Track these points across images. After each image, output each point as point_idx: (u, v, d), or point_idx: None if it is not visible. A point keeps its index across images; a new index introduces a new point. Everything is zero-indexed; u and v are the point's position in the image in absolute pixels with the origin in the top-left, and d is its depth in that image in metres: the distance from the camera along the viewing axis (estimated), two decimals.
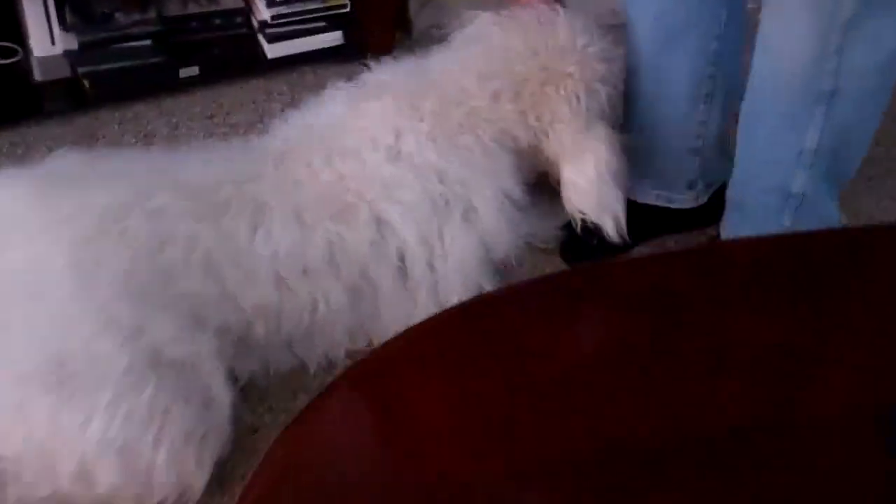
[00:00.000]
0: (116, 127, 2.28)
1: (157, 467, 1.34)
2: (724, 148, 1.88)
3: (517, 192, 1.70)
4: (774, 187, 1.71)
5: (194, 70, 2.36)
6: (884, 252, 1.13)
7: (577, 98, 1.69)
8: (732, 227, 1.84)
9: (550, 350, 1.00)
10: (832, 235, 1.25)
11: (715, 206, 1.92)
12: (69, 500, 1.35)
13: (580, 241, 1.85)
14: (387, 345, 1.03)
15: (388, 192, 1.61)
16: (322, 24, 2.44)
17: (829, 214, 1.75)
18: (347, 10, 2.44)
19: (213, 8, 2.41)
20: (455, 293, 1.65)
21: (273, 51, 2.44)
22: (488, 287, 1.68)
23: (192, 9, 2.39)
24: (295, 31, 2.43)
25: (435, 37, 1.92)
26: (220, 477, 1.45)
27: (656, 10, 1.73)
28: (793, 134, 1.61)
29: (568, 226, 1.89)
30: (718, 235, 1.90)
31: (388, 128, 1.65)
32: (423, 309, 1.63)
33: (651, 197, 1.95)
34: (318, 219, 1.57)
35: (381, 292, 1.63)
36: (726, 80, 1.79)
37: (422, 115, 1.66)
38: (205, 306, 1.45)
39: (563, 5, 1.77)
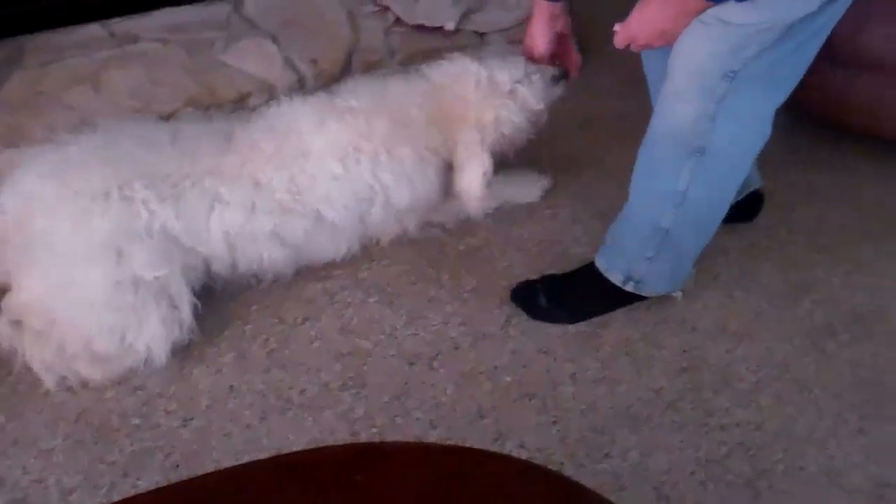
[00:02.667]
0: None
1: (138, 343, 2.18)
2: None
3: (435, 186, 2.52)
4: (648, 220, 2.20)
5: None
6: None
7: (476, 131, 2.48)
8: (606, 258, 2.36)
9: None
10: None
11: (747, 207, 2.62)
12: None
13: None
14: None
15: (331, 192, 2.38)
16: None
17: (685, 258, 2.32)
18: None
19: None
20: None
21: None
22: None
23: None
24: None
25: None
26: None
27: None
28: (670, 175, 2.10)
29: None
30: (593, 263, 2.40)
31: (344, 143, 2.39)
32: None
33: None
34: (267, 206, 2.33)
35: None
36: None
37: (372, 132, 2.40)
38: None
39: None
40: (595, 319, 2.41)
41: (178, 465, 2.03)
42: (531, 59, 2.44)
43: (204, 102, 2.68)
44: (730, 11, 1.83)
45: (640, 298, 2.39)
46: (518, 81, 2.47)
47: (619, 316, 2.42)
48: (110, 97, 2.69)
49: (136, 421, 2.12)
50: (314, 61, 2.75)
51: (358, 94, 2.45)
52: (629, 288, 2.35)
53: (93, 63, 2.81)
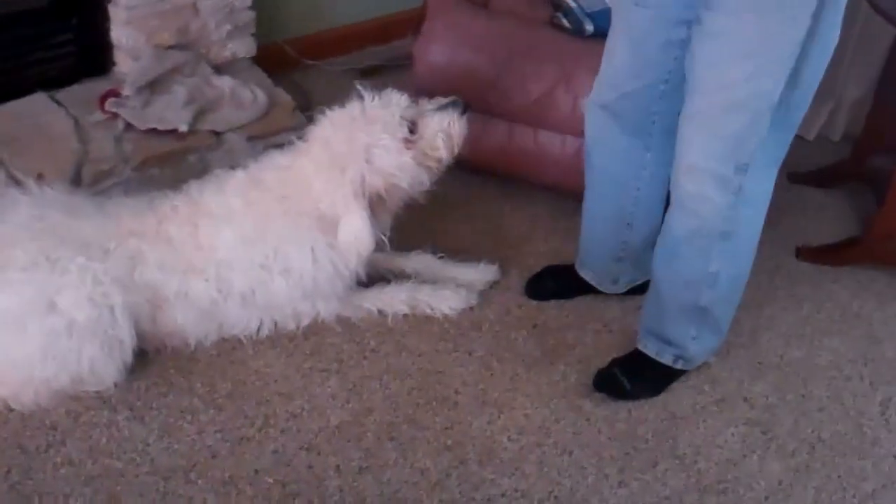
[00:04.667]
0: None
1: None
2: (640, 260, 2.59)
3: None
4: (687, 303, 2.35)
5: None
6: None
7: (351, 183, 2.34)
8: (653, 343, 2.47)
9: None
10: None
11: (631, 293, 2.74)
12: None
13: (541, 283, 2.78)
14: None
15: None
16: None
17: (721, 328, 2.46)
18: None
19: None
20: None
21: None
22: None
23: None
24: None
25: None
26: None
27: (595, 160, 2.49)
28: (702, 261, 2.25)
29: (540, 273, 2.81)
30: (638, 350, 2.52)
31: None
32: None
33: (588, 278, 2.73)
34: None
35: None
36: (647, 215, 2.50)
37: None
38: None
39: None
40: (357, 407, 2.37)
41: None
42: None
43: None
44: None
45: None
46: (403, 116, 2.38)
47: (379, 401, 2.40)
48: None
49: None
50: (41, 175, 2.61)
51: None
52: (679, 366, 2.48)
53: None
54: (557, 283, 2.78)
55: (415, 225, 2.87)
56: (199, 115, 3.00)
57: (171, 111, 2.96)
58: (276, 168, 2.49)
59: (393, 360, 2.52)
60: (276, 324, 2.55)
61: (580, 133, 2.53)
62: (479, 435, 2.33)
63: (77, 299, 2.24)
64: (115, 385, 2.35)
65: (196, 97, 3.02)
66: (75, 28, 3.06)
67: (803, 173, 3.32)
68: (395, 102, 2.40)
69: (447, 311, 2.66)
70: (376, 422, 2.35)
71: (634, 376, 2.47)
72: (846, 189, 3.31)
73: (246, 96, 3.12)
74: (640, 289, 2.67)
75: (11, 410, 2.27)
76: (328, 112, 2.44)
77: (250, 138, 3.03)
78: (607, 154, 2.45)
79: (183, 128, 2.93)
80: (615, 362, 2.52)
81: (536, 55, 2.91)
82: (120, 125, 2.95)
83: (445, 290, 2.68)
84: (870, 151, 3.20)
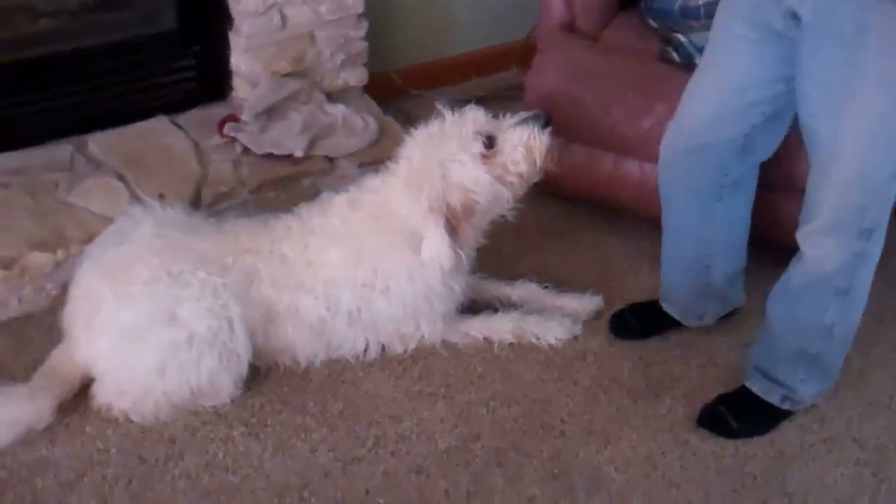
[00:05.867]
0: None
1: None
2: (725, 295, 2.63)
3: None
4: (799, 348, 2.35)
5: None
6: None
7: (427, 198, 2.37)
8: (761, 382, 2.45)
9: None
10: None
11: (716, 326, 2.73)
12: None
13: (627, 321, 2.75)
14: None
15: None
16: None
17: (833, 371, 2.45)
18: None
19: None
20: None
21: None
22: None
23: None
24: None
25: None
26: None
27: (665, 202, 2.50)
28: (817, 312, 2.27)
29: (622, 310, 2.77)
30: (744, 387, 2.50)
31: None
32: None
33: (672, 312, 2.70)
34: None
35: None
36: (725, 255, 2.53)
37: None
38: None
39: None
40: (465, 432, 2.41)
41: None
42: None
43: (51, 245, 2.62)
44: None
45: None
46: (479, 131, 2.41)
47: (486, 427, 2.42)
48: None
49: None
50: (162, 196, 2.72)
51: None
52: (787, 406, 2.46)
53: None
54: (640, 320, 2.76)
55: (520, 254, 2.91)
56: (313, 141, 3.08)
57: (287, 137, 3.05)
58: (369, 189, 2.57)
59: (499, 387, 2.55)
60: (382, 346, 2.61)
61: None
62: (586, 465, 2.35)
63: (198, 311, 2.32)
64: (231, 401, 2.42)
65: (311, 124, 3.10)
66: (197, 54, 3.17)
67: None
68: (471, 118, 2.43)
69: (553, 341, 2.68)
70: (484, 447, 2.38)
71: (741, 415, 2.46)
72: None
73: (358, 124, 3.19)
74: (730, 317, 2.70)
75: (132, 423, 2.36)
76: (412, 132, 2.50)
77: (361, 165, 3.10)
78: (676, 201, 2.47)
79: (298, 153, 3.01)
80: (721, 399, 2.51)
81: (646, 89, 2.93)
82: (238, 149, 3.05)
83: (551, 320, 2.70)
84: None
